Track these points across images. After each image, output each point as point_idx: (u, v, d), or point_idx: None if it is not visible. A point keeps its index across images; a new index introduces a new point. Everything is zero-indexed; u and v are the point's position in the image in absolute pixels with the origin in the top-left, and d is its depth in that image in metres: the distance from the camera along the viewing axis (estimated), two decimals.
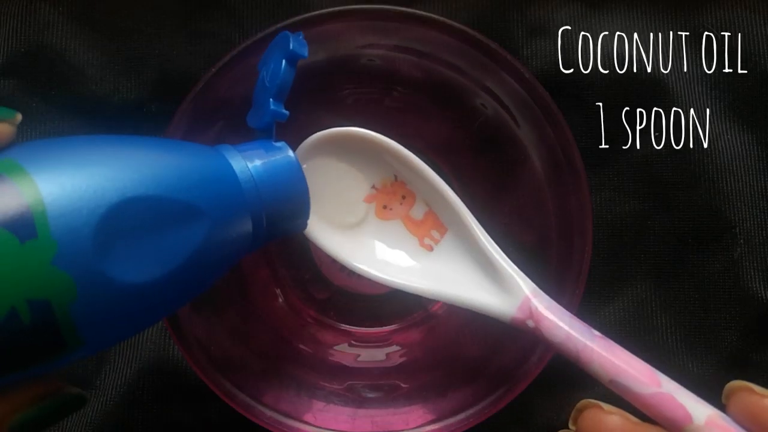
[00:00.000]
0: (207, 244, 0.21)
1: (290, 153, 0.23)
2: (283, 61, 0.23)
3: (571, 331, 0.24)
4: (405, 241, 0.28)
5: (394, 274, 0.27)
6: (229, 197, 0.22)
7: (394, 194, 0.27)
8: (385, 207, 0.28)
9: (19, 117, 0.20)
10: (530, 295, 0.25)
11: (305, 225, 0.24)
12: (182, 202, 0.20)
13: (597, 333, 0.24)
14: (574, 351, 0.24)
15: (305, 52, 0.23)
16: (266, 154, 0.23)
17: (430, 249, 0.27)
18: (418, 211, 0.27)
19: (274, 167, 0.23)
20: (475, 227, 0.26)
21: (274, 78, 0.23)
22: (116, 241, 0.19)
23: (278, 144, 0.24)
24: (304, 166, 0.26)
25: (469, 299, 0.26)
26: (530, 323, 0.25)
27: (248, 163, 0.22)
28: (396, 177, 0.27)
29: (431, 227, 0.27)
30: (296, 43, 0.23)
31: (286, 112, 0.24)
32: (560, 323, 0.24)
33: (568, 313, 0.25)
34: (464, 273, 0.26)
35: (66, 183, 0.18)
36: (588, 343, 0.24)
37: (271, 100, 0.23)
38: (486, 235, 0.26)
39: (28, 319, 0.18)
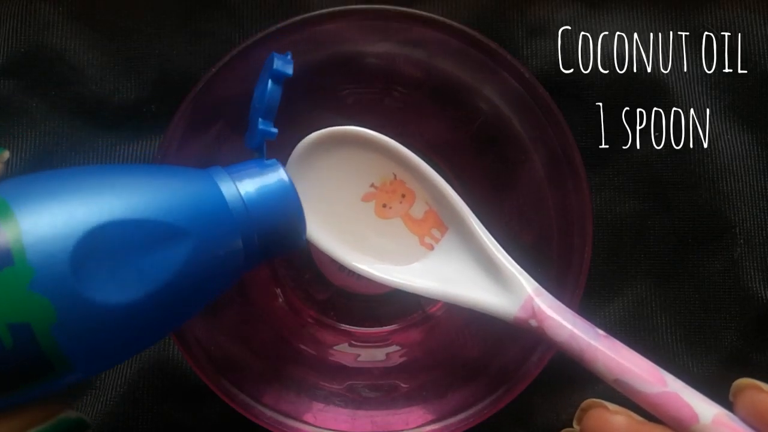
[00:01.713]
0: (193, 264, 0.21)
1: (281, 171, 0.23)
2: (269, 81, 0.23)
3: (575, 330, 0.24)
4: (405, 240, 0.27)
5: (395, 274, 0.27)
6: (214, 217, 0.22)
7: (394, 193, 0.27)
8: (384, 206, 0.27)
9: (6, 154, 0.20)
10: (533, 294, 0.25)
11: (303, 244, 0.24)
12: (162, 223, 0.20)
13: (601, 332, 0.24)
14: (578, 350, 0.24)
15: (290, 70, 0.24)
16: (256, 173, 0.23)
17: (431, 248, 0.27)
18: (418, 210, 0.27)
19: (264, 186, 0.23)
20: (476, 226, 0.26)
21: (261, 98, 0.24)
22: (94, 264, 0.19)
23: (269, 162, 0.24)
24: (303, 165, 0.26)
25: (471, 299, 0.26)
26: (533, 323, 0.24)
27: (237, 182, 0.22)
28: (395, 175, 0.27)
29: (432, 226, 0.27)
30: (280, 62, 0.24)
31: (275, 130, 0.24)
32: (564, 322, 0.24)
33: (571, 312, 0.24)
34: (465, 272, 0.26)
35: (43, 212, 0.19)
36: (592, 342, 0.23)
37: (259, 119, 0.23)
38: (487, 233, 0.26)
39: (10, 343, 0.18)
